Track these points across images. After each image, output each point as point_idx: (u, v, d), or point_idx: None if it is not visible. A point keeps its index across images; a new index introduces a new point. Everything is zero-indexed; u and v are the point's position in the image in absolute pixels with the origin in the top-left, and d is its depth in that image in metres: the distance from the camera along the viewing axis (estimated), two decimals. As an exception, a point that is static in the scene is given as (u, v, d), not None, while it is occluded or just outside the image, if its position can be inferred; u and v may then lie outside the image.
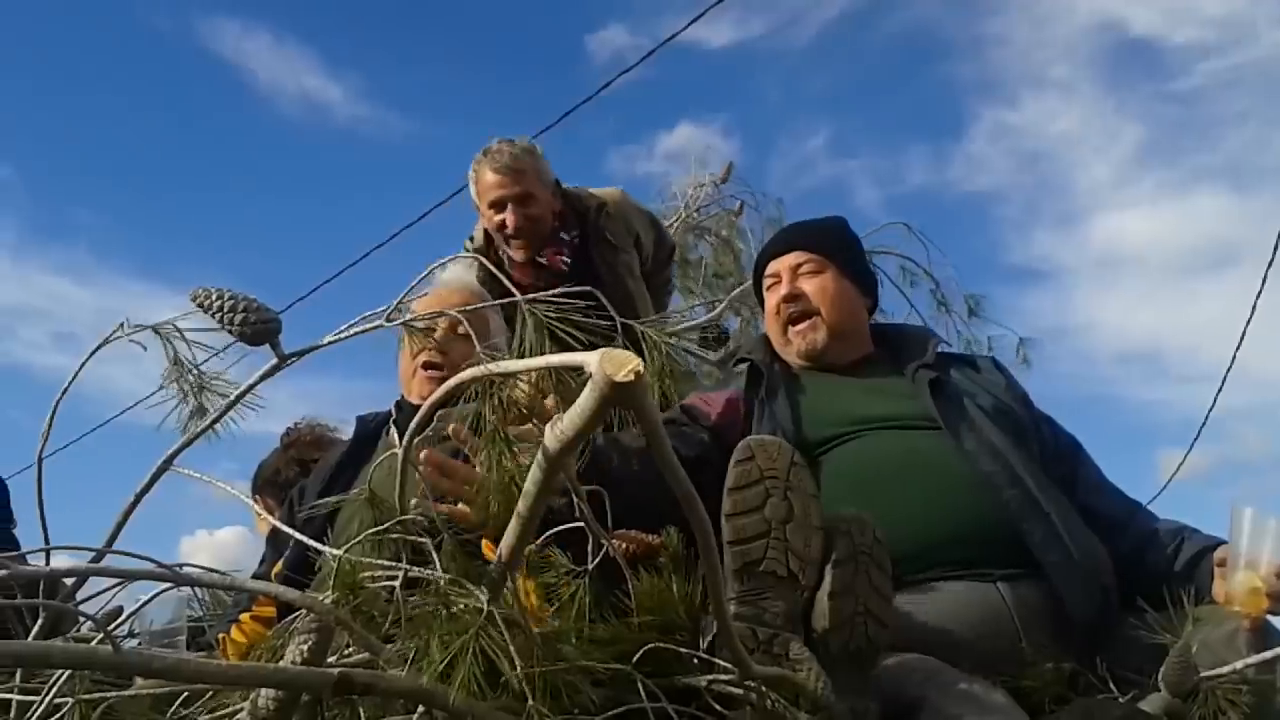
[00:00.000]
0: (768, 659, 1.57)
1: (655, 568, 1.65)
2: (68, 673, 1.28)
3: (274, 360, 1.27)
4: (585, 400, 1.05)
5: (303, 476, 2.97)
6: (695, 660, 1.56)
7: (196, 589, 1.43)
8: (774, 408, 2.37)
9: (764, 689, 1.45)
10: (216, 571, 1.37)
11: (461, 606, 1.26)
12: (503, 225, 3.36)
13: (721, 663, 1.49)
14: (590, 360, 1.02)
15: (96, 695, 1.34)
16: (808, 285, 2.58)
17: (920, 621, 1.99)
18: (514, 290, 3.15)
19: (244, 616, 2.28)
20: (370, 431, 2.60)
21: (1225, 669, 1.82)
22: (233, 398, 1.29)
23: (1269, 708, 1.82)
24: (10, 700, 1.33)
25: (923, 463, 2.22)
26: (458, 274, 2.61)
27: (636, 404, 1.03)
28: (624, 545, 1.68)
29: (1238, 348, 7.17)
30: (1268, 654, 1.82)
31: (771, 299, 2.63)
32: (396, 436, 2.40)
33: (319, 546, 1.43)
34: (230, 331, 1.25)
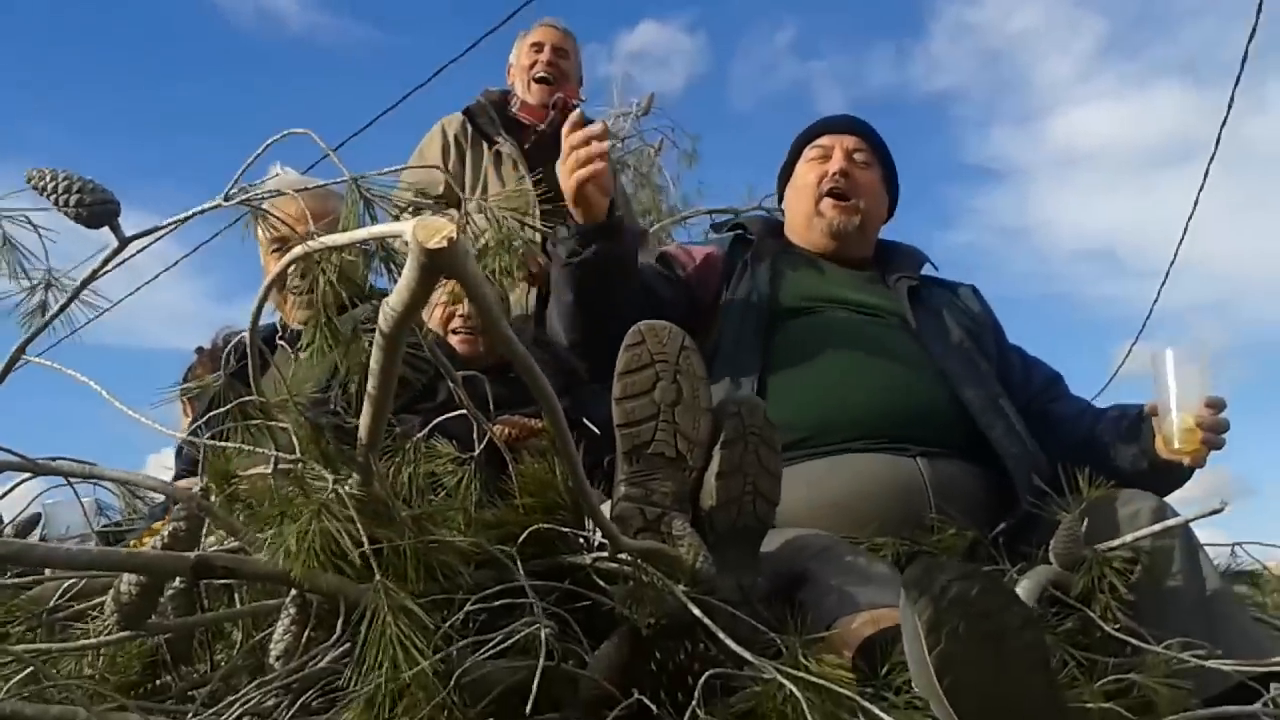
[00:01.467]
0: (655, 537, 1.59)
1: (539, 450, 1.65)
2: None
3: (115, 244, 1.25)
4: (407, 271, 1.04)
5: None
6: (581, 540, 1.58)
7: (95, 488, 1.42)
8: (756, 271, 2.42)
9: (639, 563, 1.46)
10: (80, 461, 1.36)
11: (315, 489, 1.26)
12: (533, 65, 3.67)
13: (602, 540, 1.51)
14: (406, 229, 1.00)
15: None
16: (860, 174, 2.58)
17: (837, 485, 2.06)
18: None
19: (156, 524, 2.28)
20: (268, 333, 2.59)
21: (1115, 542, 1.86)
22: (80, 281, 1.27)
23: (1158, 579, 1.86)
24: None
25: (877, 346, 2.29)
26: (297, 175, 2.58)
27: (457, 271, 1.02)
28: (505, 430, 1.68)
29: (1179, 244, 7.22)
30: (1156, 527, 1.86)
31: (816, 169, 2.60)
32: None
33: (174, 435, 1.43)
34: (66, 214, 1.23)
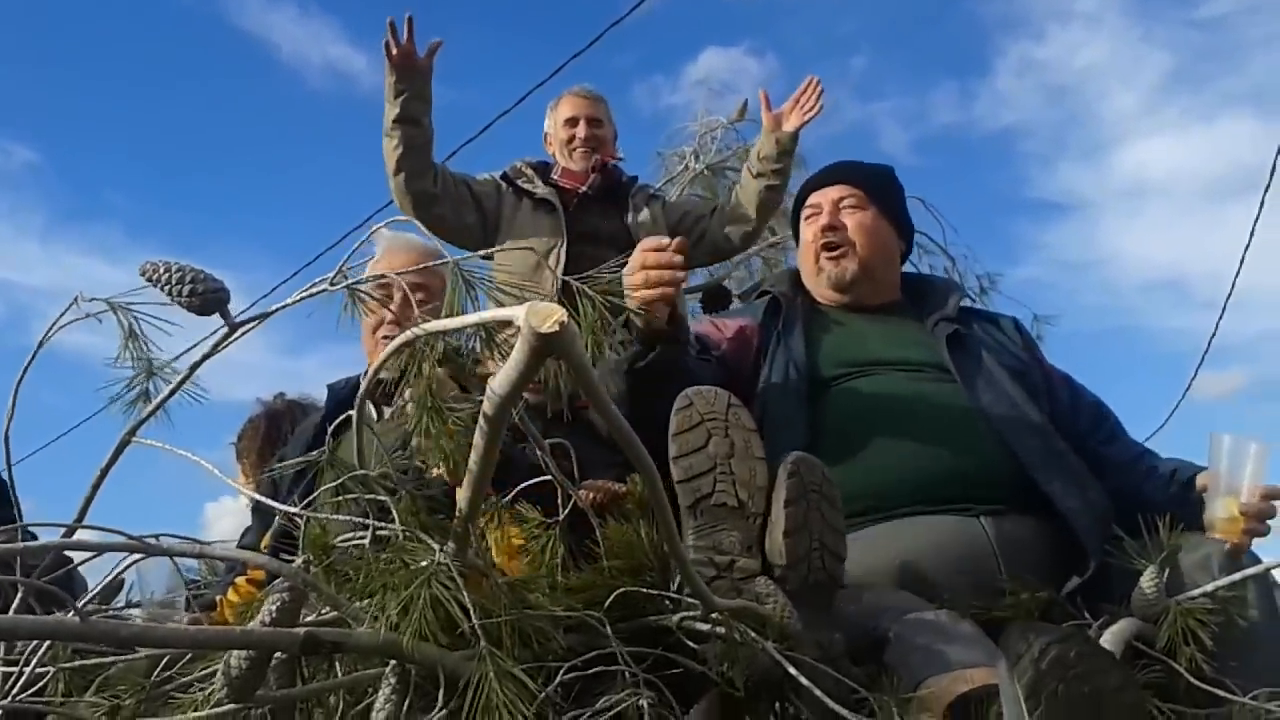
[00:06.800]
0: (727, 584, 1.63)
1: (623, 514, 1.68)
2: (46, 644, 1.32)
3: (224, 329, 1.30)
4: (516, 353, 1.07)
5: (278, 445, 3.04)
6: (666, 600, 1.60)
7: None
8: (789, 341, 2.42)
9: (730, 621, 1.48)
10: (188, 539, 1.40)
11: (416, 559, 1.29)
12: (570, 139, 3.78)
13: (689, 600, 1.53)
14: (518, 314, 1.04)
15: (77, 664, 1.38)
16: (848, 219, 2.61)
17: (903, 551, 2.05)
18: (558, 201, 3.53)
19: (239, 580, 2.32)
20: (344, 398, 2.64)
21: (1195, 592, 1.85)
22: (189, 367, 1.32)
23: (1239, 626, 1.85)
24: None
25: (926, 405, 2.27)
26: (404, 236, 2.64)
27: (566, 354, 1.06)
28: (590, 495, 1.71)
29: (1237, 274, 7.18)
30: (1236, 575, 1.85)
31: (809, 229, 2.65)
32: (371, 405, 2.44)
33: (279, 507, 1.47)
34: (180, 303, 1.28)
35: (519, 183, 3.67)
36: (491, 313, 1.11)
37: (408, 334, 1.24)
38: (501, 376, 1.11)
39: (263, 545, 2.28)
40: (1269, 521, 1.99)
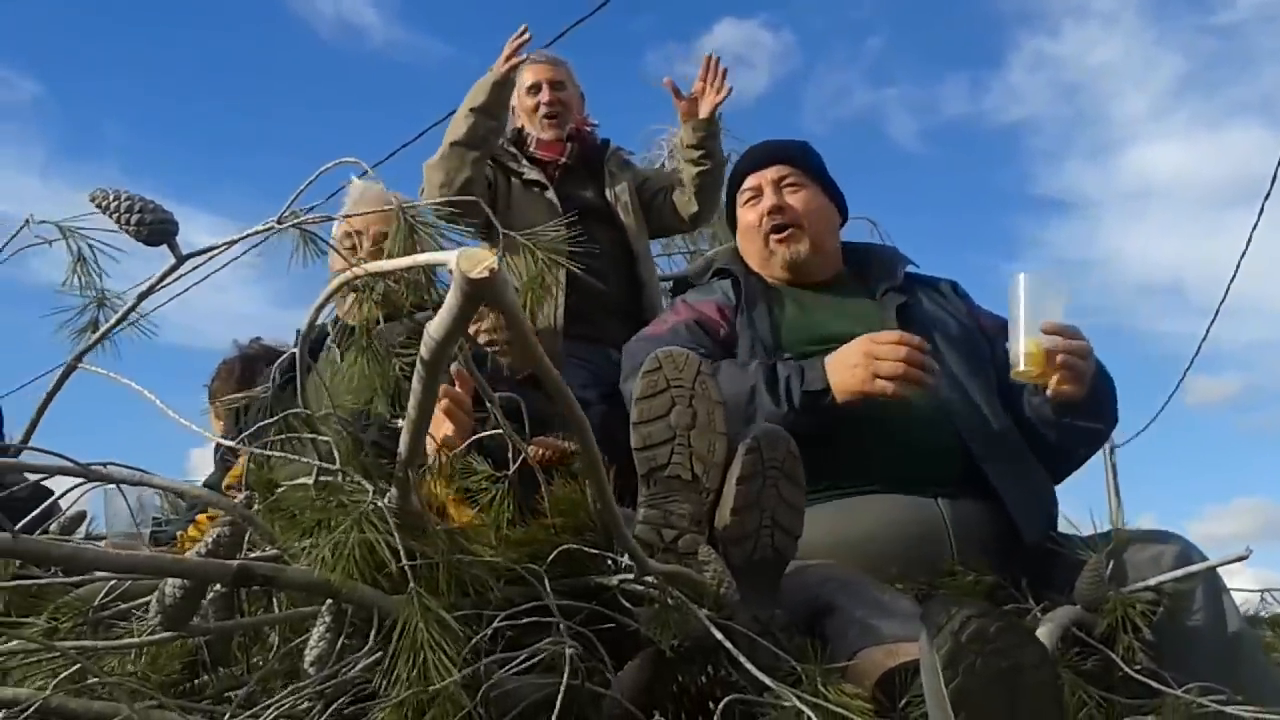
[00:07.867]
0: (673, 558, 1.63)
1: (571, 473, 1.69)
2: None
3: (172, 260, 1.30)
4: (449, 298, 1.08)
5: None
6: (609, 561, 1.62)
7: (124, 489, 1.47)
8: (754, 317, 2.42)
9: (665, 585, 1.49)
10: (131, 468, 1.41)
11: (353, 501, 1.31)
12: (536, 107, 3.78)
13: (629, 562, 1.54)
14: (450, 258, 1.05)
15: (14, 584, 1.40)
16: (792, 199, 2.58)
17: (860, 529, 2.07)
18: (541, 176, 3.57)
19: (200, 516, 2.33)
20: (312, 345, 2.63)
21: (1140, 585, 1.87)
22: (136, 297, 1.33)
23: (1181, 621, 1.87)
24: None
25: None
26: (373, 186, 2.63)
27: (497, 300, 1.07)
28: (539, 451, 1.72)
29: (1230, 282, 7.22)
30: (1179, 572, 1.87)
31: (752, 212, 2.61)
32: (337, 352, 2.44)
33: (224, 441, 1.48)
34: (128, 232, 1.29)
35: (505, 161, 3.68)
36: (427, 256, 1.11)
37: (346, 274, 1.25)
38: (436, 321, 1.12)
39: (225, 484, 2.29)
40: (1082, 359, 2.05)
